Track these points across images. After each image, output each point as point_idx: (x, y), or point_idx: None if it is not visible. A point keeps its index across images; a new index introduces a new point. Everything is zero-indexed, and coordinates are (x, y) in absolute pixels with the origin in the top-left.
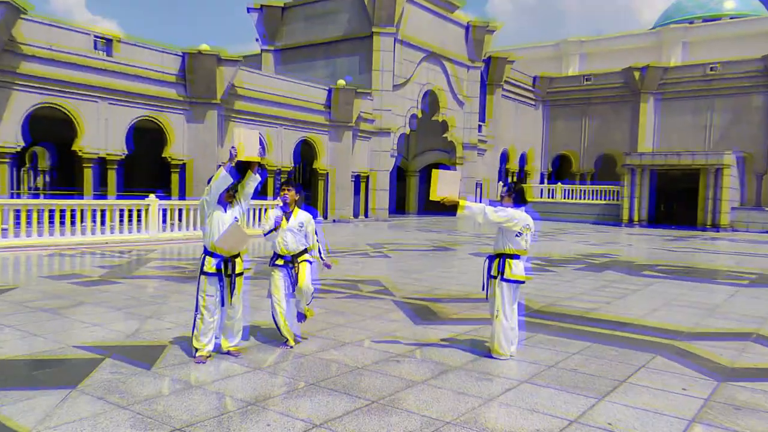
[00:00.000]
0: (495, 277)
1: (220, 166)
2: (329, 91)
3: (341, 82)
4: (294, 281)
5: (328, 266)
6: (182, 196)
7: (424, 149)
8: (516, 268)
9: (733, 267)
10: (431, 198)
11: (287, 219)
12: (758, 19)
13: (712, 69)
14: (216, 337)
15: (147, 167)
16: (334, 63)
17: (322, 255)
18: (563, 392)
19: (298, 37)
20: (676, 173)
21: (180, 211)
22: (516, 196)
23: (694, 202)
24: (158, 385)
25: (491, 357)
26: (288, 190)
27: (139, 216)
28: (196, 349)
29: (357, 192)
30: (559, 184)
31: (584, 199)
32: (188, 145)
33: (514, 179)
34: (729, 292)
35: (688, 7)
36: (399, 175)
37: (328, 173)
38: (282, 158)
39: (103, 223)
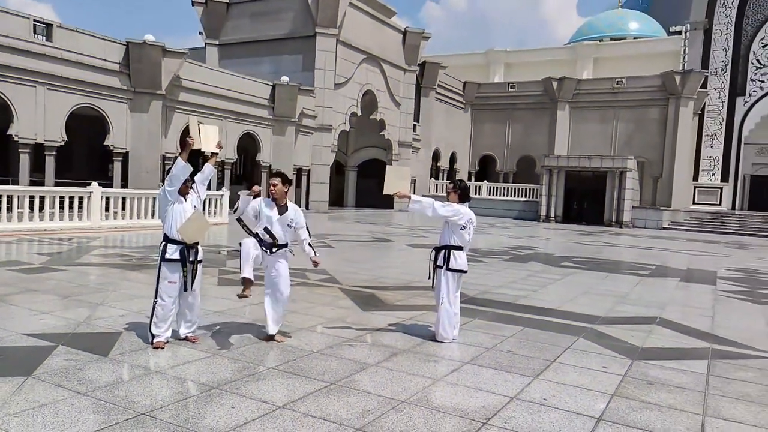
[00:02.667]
0: (440, 267)
1: (177, 156)
2: (273, 87)
3: (285, 78)
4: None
5: (316, 264)
6: (123, 186)
7: (361, 146)
8: (460, 259)
9: (635, 260)
10: (384, 192)
11: (280, 213)
12: (657, 41)
13: (618, 83)
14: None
15: (87, 156)
16: (278, 60)
17: (314, 251)
18: (502, 372)
19: (242, 34)
20: (587, 175)
21: (123, 200)
22: (462, 193)
23: (601, 202)
24: (117, 371)
25: (436, 341)
26: (275, 184)
27: (81, 204)
28: (154, 336)
29: (297, 185)
30: (485, 182)
31: (507, 196)
32: (131, 135)
33: (457, 177)
34: (634, 281)
35: (599, 26)
36: (337, 170)
37: (270, 166)
38: (226, 150)
39: (41, 210)
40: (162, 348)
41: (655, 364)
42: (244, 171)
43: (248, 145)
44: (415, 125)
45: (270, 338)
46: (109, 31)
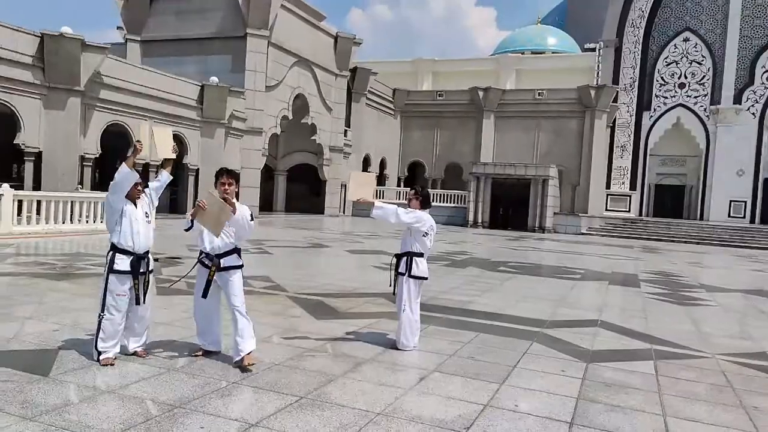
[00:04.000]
0: (403, 274)
1: (121, 162)
2: (202, 87)
3: (214, 79)
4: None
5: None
6: (36, 188)
7: (292, 150)
8: (422, 266)
9: (563, 264)
10: (349, 198)
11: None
12: (574, 56)
13: (539, 95)
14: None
15: None
16: (205, 60)
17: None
18: (470, 379)
19: (167, 31)
20: (512, 182)
21: (38, 203)
22: (423, 200)
23: (525, 208)
24: (63, 392)
25: (397, 349)
26: (229, 183)
27: None
28: (101, 352)
29: None
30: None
31: (436, 202)
32: (45, 134)
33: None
34: (568, 285)
35: (520, 40)
36: (266, 174)
37: (198, 169)
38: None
39: None
40: (111, 365)
41: (607, 367)
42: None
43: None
44: (346, 130)
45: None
46: (18, 22)
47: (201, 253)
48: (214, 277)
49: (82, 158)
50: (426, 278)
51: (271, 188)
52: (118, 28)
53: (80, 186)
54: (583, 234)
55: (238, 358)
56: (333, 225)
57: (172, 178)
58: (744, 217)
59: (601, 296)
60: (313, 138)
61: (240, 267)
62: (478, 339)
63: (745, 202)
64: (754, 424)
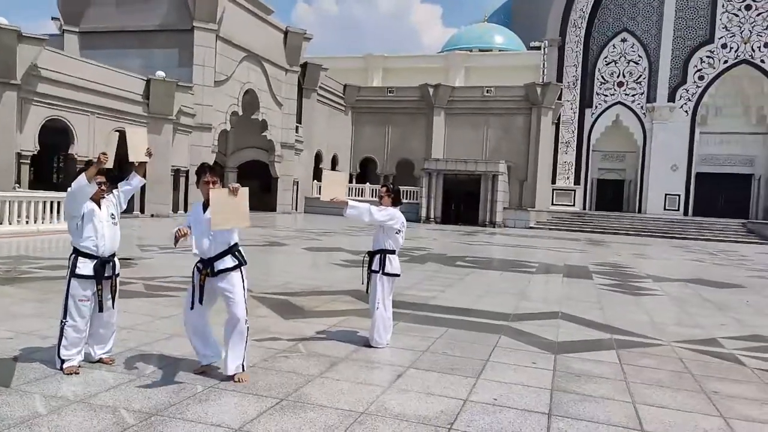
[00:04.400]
0: (376, 272)
1: (80, 171)
2: (147, 82)
3: (161, 73)
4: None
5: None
6: None
7: (242, 146)
8: (395, 263)
9: (518, 258)
10: (322, 198)
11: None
12: (520, 54)
13: (488, 92)
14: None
15: None
16: (149, 54)
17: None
18: (446, 374)
19: (107, 22)
20: (463, 178)
21: None
22: (395, 197)
23: (476, 203)
24: (29, 404)
25: (370, 346)
26: (213, 182)
27: None
28: (64, 360)
29: (175, 187)
30: (368, 183)
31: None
32: None
33: (391, 182)
34: (526, 279)
35: (467, 38)
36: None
37: (145, 167)
38: (94, 148)
39: None
40: (75, 373)
41: (574, 357)
42: (119, 171)
43: (119, 144)
44: (297, 126)
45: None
46: None
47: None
48: (206, 284)
49: (19, 155)
50: (399, 275)
51: (222, 186)
52: (53, 18)
53: (18, 185)
54: (531, 228)
55: (228, 374)
56: (287, 222)
57: (144, 182)
58: (678, 209)
59: (558, 289)
60: (263, 134)
61: (236, 267)
62: (448, 334)
63: (679, 195)
64: (716, 407)
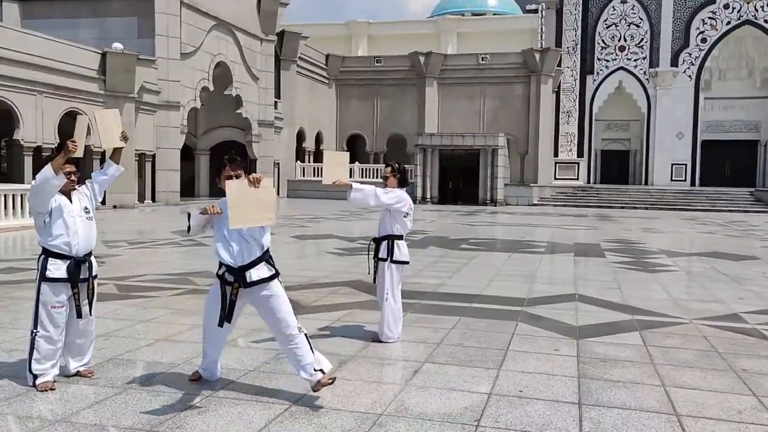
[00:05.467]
0: (384, 260)
1: (46, 160)
2: (103, 55)
3: (118, 45)
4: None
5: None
6: None
7: (215, 126)
8: (403, 249)
9: (525, 237)
10: (324, 182)
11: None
12: (517, 18)
13: (483, 59)
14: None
15: None
16: (104, 24)
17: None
18: (465, 367)
19: None
20: (460, 154)
21: None
22: (401, 177)
23: (475, 181)
24: (3, 426)
25: (380, 341)
26: (236, 174)
27: None
28: (36, 375)
29: (140, 173)
30: (357, 163)
31: (379, 178)
32: None
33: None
34: (535, 260)
35: (458, 1)
36: (185, 155)
37: (104, 152)
38: (42, 132)
39: None
40: (51, 389)
41: (597, 341)
42: (71, 159)
43: (71, 126)
44: (276, 102)
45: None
46: None
47: (220, 266)
48: (238, 297)
49: None
50: (408, 262)
51: (193, 170)
52: None
53: None
54: (535, 205)
55: (314, 379)
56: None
57: (122, 170)
58: (685, 180)
59: (571, 269)
60: (238, 111)
61: (274, 277)
62: (462, 323)
63: (686, 165)
64: (747, 386)
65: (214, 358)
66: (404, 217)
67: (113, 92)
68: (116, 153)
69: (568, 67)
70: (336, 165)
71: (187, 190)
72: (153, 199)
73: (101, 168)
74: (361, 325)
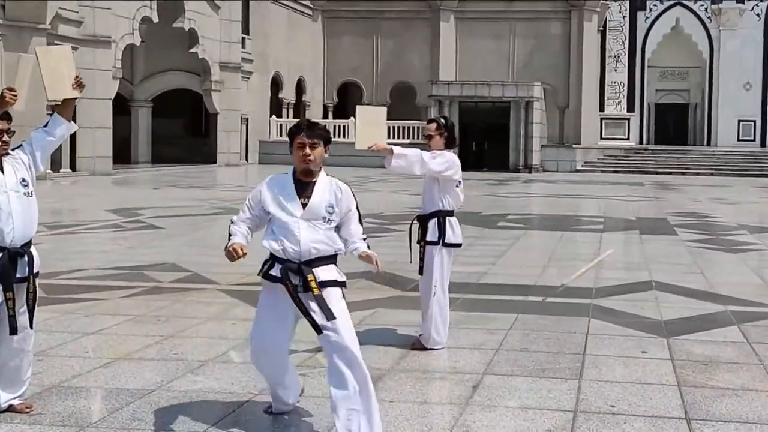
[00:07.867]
0: (435, 243)
1: None
2: None
3: None
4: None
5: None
6: None
7: (159, 69)
8: (456, 228)
9: (576, 212)
10: (358, 146)
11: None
12: None
13: None
14: None
15: None
16: None
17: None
18: (537, 379)
19: None
20: (485, 107)
21: None
22: (449, 135)
23: (505, 141)
24: None
25: (424, 348)
26: (313, 144)
27: None
28: None
29: None
30: (351, 119)
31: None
32: None
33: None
34: (594, 240)
35: None
36: (120, 108)
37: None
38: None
39: None
40: None
41: (690, 339)
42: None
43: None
44: (244, 39)
45: None
46: None
47: (270, 257)
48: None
49: None
50: (461, 245)
51: (128, 128)
52: None
53: None
54: (578, 171)
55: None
56: (236, 179)
57: (75, 128)
58: (754, 139)
59: (638, 249)
60: (192, 51)
61: (342, 284)
62: (520, 322)
63: (755, 121)
64: None
65: (288, 382)
66: (456, 186)
67: (14, 22)
68: (67, 105)
69: (616, 1)
70: (371, 124)
71: (123, 153)
72: (72, 167)
73: (44, 126)
74: (393, 328)
